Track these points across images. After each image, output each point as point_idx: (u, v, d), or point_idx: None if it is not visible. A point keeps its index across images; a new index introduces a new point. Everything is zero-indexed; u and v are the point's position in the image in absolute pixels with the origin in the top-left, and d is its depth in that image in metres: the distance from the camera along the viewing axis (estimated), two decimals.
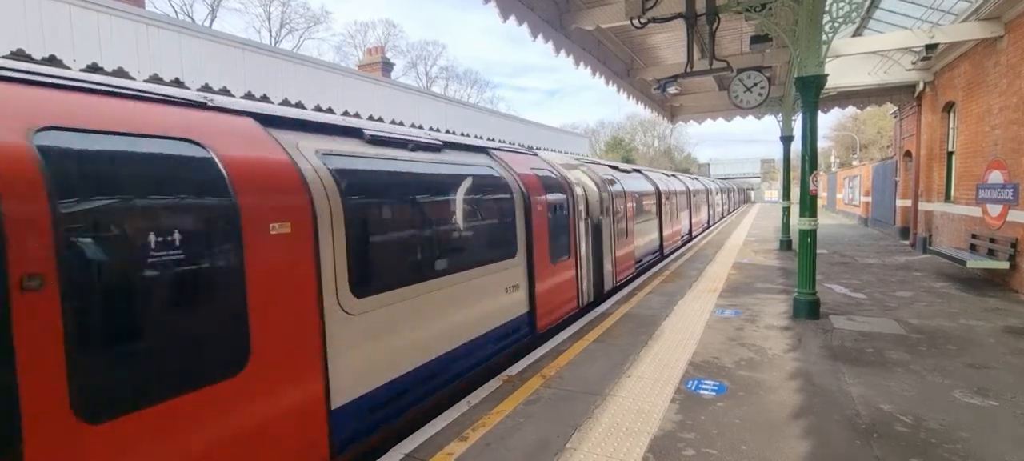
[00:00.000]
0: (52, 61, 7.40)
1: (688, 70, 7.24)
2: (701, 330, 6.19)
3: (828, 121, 71.34)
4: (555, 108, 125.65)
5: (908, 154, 14.49)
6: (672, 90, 7.88)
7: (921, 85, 12.20)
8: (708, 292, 8.39)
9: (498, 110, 32.87)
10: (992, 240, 8.49)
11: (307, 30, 43.00)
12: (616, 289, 8.93)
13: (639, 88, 11.67)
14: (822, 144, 61.99)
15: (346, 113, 13.50)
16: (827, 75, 6.27)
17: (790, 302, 7.02)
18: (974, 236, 9.23)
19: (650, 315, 6.96)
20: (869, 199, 20.78)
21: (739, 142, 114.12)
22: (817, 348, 5.44)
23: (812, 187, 6.35)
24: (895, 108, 15.55)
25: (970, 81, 9.63)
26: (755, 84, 9.91)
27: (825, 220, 24.81)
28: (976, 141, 9.36)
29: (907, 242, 14.04)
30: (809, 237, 6.40)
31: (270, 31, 39.79)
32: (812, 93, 6.32)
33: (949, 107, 11.18)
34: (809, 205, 6.43)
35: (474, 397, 4.43)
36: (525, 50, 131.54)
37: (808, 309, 6.47)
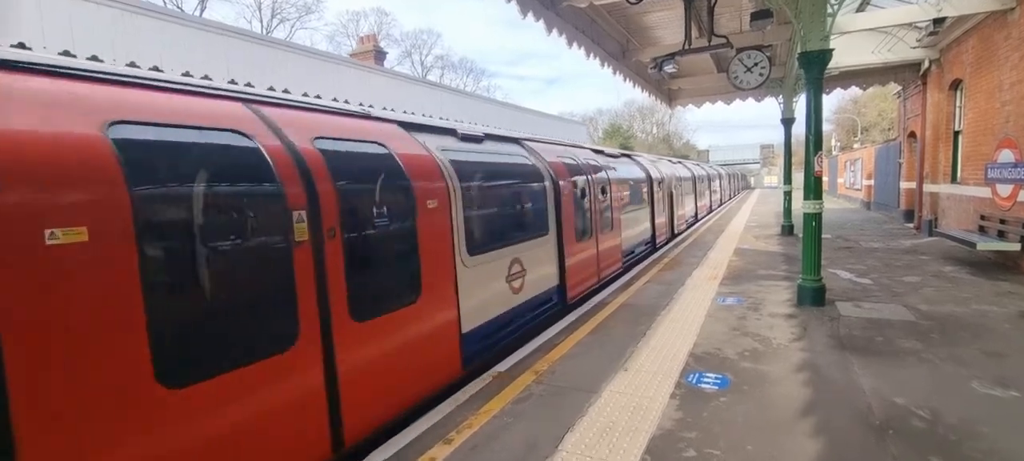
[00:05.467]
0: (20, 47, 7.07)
1: (686, 47, 6.90)
2: (702, 319, 5.92)
3: (829, 104, 70.79)
4: (555, 96, 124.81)
5: (912, 135, 14.16)
6: (669, 69, 7.54)
7: (926, 63, 11.84)
8: (709, 280, 8.12)
9: (493, 98, 32.51)
10: (1002, 222, 8.20)
11: (299, 19, 42.40)
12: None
13: (635, 70, 11.30)
14: (823, 127, 61.47)
15: (334, 100, 13.18)
16: (832, 50, 5.95)
17: (794, 289, 6.76)
18: (983, 218, 8.94)
19: (648, 305, 6.69)
20: (872, 182, 20.46)
21: (739, 128, 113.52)
22: (824, 337, 5.17)
23: (817, 168, 6.05)
24: (899, 88, 15.20)
25: (979, 56, 9.28)
26: (755, 64, 9.56)
27: (826, 204, 24.48)
28: (985, 119, 9.04)
29: (912, 225, 13.76)
30: (814, 221, 6.11)
31: (261, 21, 39.24)
32: (816, 69, 6.00)
33: (956, 85, 10.84)
34: (813, 187, 6.13)
35: (461, 395, 4.17)
36: (524, 38, 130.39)
37: (813, 296, 6.19)
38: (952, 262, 8.79)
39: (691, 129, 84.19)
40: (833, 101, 62.12)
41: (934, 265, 8.64)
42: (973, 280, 7.43)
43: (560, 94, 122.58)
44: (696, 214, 18.40)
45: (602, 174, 8.27)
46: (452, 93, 21.04)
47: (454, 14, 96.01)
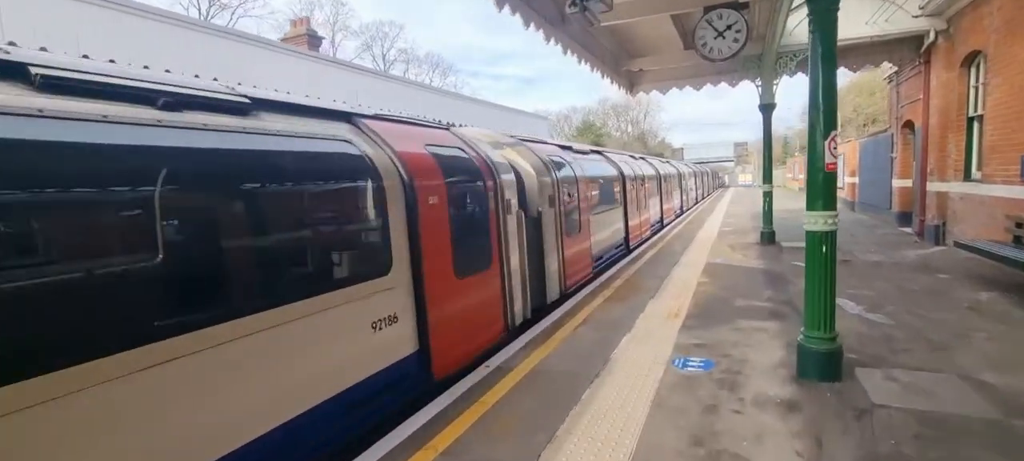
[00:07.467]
0: None
1: None
2: (645, 414, 3.56)
3: (800, 100, 70.41)
4: (533, 95, 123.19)
5: (909, 125, 12.19)
6: (596, 8, 5.24)
7: (932, 35, 9.79)
8: (668, 319, 5.81)
9: (461, 93, 30.20)
10: None
11: (241, 5, 38.92)
12: None
13: (581, 42, 9.00)
14: (797, 128, 60.37)
15: (246, 86, 10.62)
16: None
17: (786, 337, 4.49)
18: (1019, 225, 6.86)
19: (569, 375, 4.31)
20: (856, 180, 18.60)
21: (713, 126, 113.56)
22: None
23: (829, 160, 3.76)
24: (891, 71, 13.23)
25: (1011, 17, 7.20)
26: (729, 26, 7.36)
27: (799, 204, 22.63)
28: (1022, 97, 6.96)
29: (910, 230, 11.77)
30: (825, 245, 3.79)
31: (198, 8, 35.82)
32: None
33: (971, 59, 8.80)
34: (822, 190, 3.82)
35: None
36: (502, 40, 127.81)
37: (824, 366, 3.87)
38: (983, 285, 6.67)
39: (666, 128, 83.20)
40: (802, 97, 61.18)
41: (963, 290, 6.51)
42: None
43: (539, 94, 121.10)
44: (627, 243, 11.17)
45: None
46: (422, 89, 18.77)
47: (430, 12, 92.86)
